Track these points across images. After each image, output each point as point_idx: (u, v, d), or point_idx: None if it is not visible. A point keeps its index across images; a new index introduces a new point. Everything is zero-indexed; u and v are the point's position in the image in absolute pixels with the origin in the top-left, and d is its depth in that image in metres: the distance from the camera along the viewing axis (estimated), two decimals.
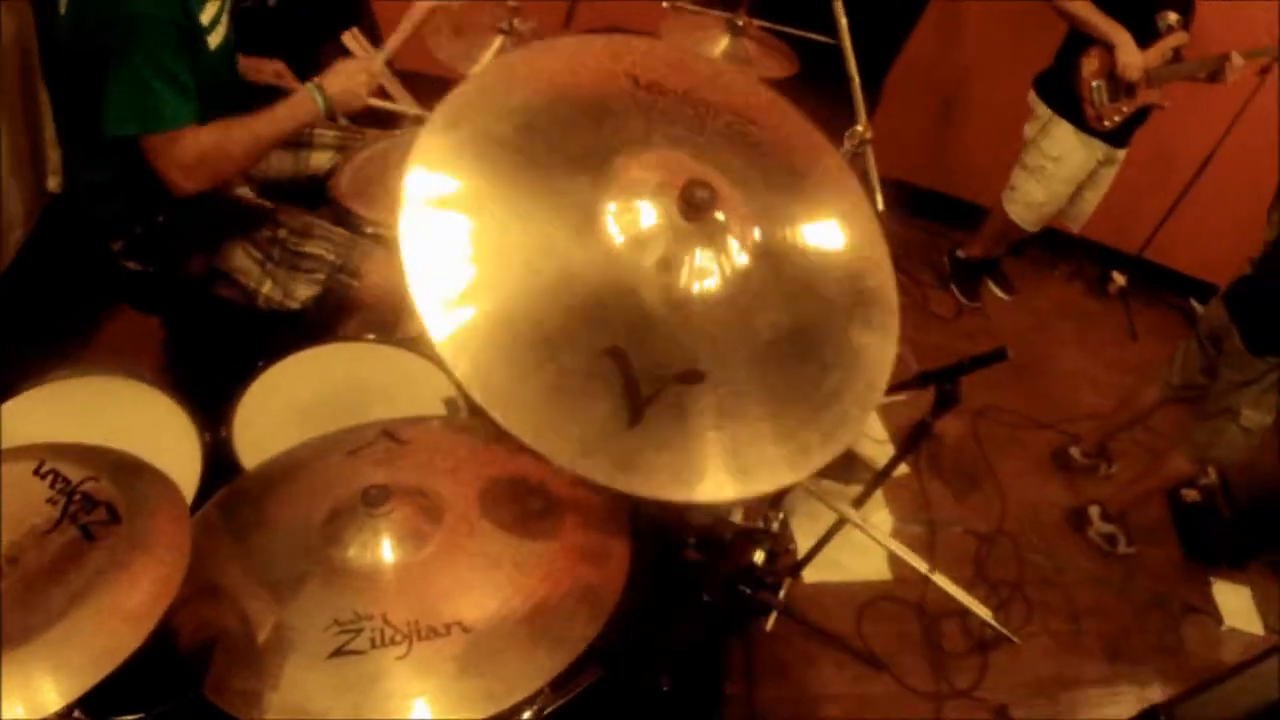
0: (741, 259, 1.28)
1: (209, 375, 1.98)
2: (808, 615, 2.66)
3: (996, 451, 3.47)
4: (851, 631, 2.72)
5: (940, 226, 4.43)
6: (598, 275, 1.20)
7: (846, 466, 2.83)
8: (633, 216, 1.23)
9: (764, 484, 1.17)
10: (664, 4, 2.42)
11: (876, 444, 3.01)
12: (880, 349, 1.32)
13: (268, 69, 2.46)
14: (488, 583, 1.40)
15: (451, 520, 1.44)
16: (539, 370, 1.12)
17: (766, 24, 2.14)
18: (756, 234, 1.31)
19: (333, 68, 2.17)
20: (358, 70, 2.17)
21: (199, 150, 1.95)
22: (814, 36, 2.05)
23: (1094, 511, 3.30)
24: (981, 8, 4.02)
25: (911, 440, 2.09)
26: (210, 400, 1.85)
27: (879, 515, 3.03)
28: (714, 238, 1.26)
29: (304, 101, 2.11)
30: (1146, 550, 3.31)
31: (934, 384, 1.96)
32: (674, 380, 1.15)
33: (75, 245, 2.20)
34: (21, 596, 1.20)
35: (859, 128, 1.83)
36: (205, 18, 2.00)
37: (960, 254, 4.23)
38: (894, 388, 1.81)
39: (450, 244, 1.17)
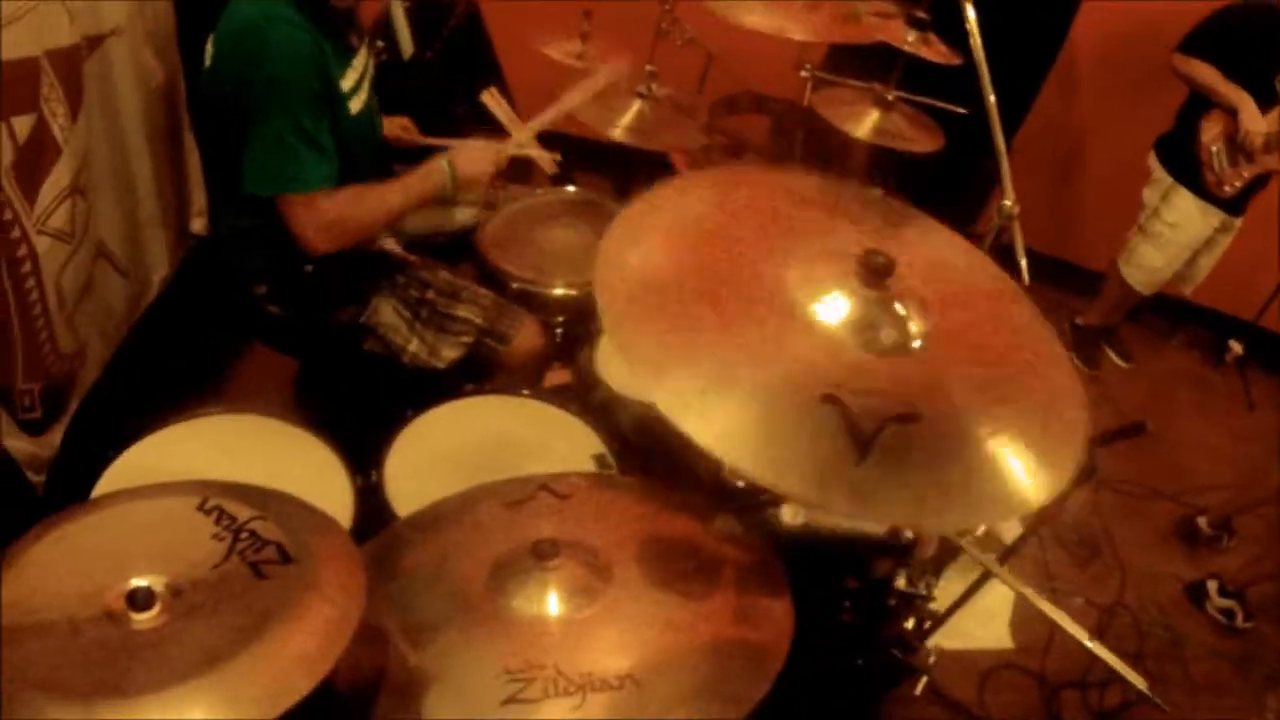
0: (923, 320, 1.35)
1: (345, 419, 2.00)
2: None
3: (1117, 521, 3.38)
4: (973, 700, 2.65)
5: (1061, 294, 4.35)
6: (800, 340, 1.27)
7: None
8: (825, 296, 1.31)
9: (991, 515, 1.37)
10: (802, 73, 2.41)
11: None
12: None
13: (396, 125, 2.50)
14: (650, 640, 1.37)
15: (619, 577, 1.43)
16: (768, 423, 1.19)
17: (910, 96, 2.10)
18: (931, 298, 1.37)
19: (466, 145, 2.23)
20: (487, 156, 2.23)
21: (332, 213, 1.99)
22: (957, 110, 2.02)
23: (1212, 586, 3.18)
24: (1101, 70, 3.97)
25: (1045, 509, 2.02)
26: (354, 444, 1.86)
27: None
28: (895, 300, 1.33)
29: (435, 174, 2.16)
30: (1265, 626, 3.18)
31: None
32: (892, 421, 1.19)
33: (217, 286, 2.24)
34: (185, 631, 1.20)
35: (1007, 202, 1.80)
36: (346, 84, 2.04)
37: (1080, 321, 4.16)
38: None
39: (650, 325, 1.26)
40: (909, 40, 2.02)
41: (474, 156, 2.21)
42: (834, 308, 1.30)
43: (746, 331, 1.27)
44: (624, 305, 1.27)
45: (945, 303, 1.38)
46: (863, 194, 1.52)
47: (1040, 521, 2.16)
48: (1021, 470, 1.24)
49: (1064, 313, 4.23)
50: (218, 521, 1.36)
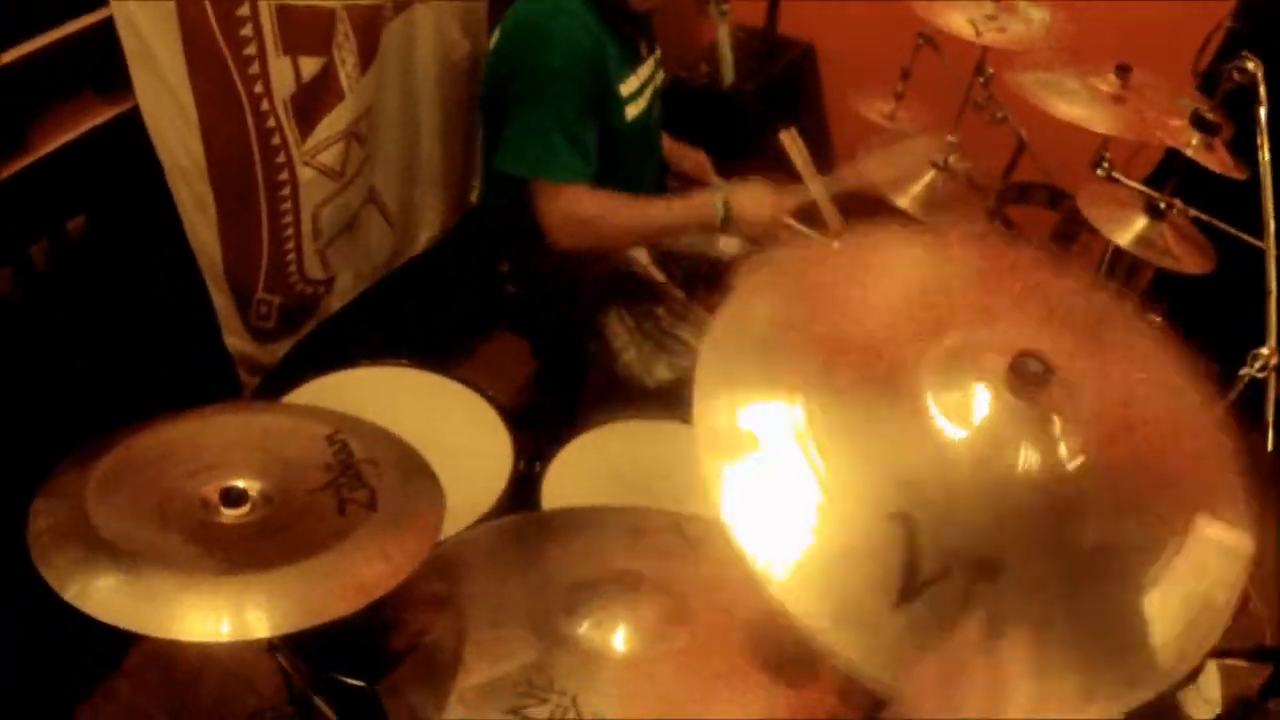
0: (1074, 454, 1.06)
1: (548, 409, 2.02)
2: None
3: None
4: None
5: None
6: (904, 434, 1.05)
7: None
8: (957, 391, 1.07)
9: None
10: (1098, 171, 2.25)
11: (1207, 704, 2.58)
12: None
13: (691, 158, 2.48)
14: (718, 700, 1.31)
15: (696, 632, 1.35)
16: (819, 520, 1.00)
17: (1193, 211, 1.88)
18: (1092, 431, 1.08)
19: (747, 184, 2.11)
20: (768, 201, 2.09)
21: (581, 211, 1.98)
22: (1242, 236, 1.77)
23: None
24: None
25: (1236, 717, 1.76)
26: (541, 431, 1.89)
27: None
28: (1046, 420, 1.06)
29: (705, 207, 2.08)
30: None
31: (1272, 661, 1.64)
32: (965, 567, 0.97)
33: (472, 257, 2.34)
34: (261, 532, 1.27)
35: (1265, 350, 1.54)
36: (626, 89, 2.05)
37: None
38: (1223, 652, 1.52)
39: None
40: (1191, 143, 1.81)
41: (755, 200, 2.08)
42: (961, 408, 1.05)
43: (847, 406, 1.06)
44: (724, 353, 1.12)
45: (1116, 434, 1.09)
46: (1085, 282, 1.31)
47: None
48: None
49: None
50: (337, 454, 1.42)
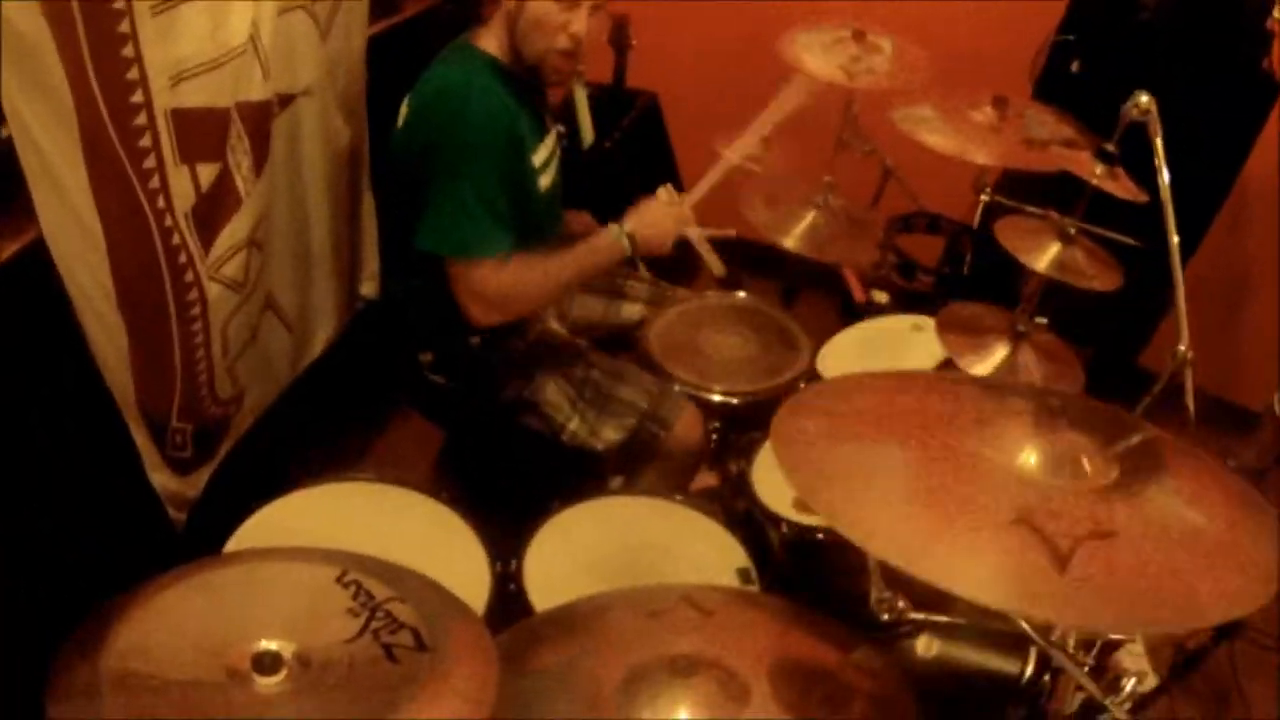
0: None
1: (489, 500, 1.95)
2: None
3: (1248, 673, 3.11)
4: None
5: (1211, 431, 4.09)
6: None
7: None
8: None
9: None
10: (982, 197, 2.33)
11: (1132, 657, 2.73)
12: None
13: (576, 221, 2.48)
14: None
15: (755, 702, 1.32)
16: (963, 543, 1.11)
17: (1093, 229, 2.00)
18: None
19: (637, 209, 2.13)
20: (664, 215, 2.12)
21: (500, 285, 1.95)
22: (1128, 240, 1.92)
23: None
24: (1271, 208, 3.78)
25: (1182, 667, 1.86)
26: (494, 527, 1.81)
27: None
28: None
29: (609, 244, 2.07)
30: None
31: None
32: (1087, 538, 1.10)
33: (380, 351, 2.24)
34: (308, 700, 1.15)
35: (1182, 348, 1.76)
36: (538, 159, 2.03)
37: (1231, 463, 3.90)
38: None
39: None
40: (1096, 173, 1.92)
41: (653, 221, 2.10)
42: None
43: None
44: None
45: None
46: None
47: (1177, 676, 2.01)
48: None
49: (1218, 453, 3.95)
50: (355, 597, 1.31)
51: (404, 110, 2.00)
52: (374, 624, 1.27)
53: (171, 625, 1.23)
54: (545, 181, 2.07)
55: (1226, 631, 1.82)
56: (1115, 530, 1.11)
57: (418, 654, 1.23)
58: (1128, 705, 1.57)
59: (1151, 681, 2.33)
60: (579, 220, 2.47)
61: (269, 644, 1.19)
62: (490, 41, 1.98)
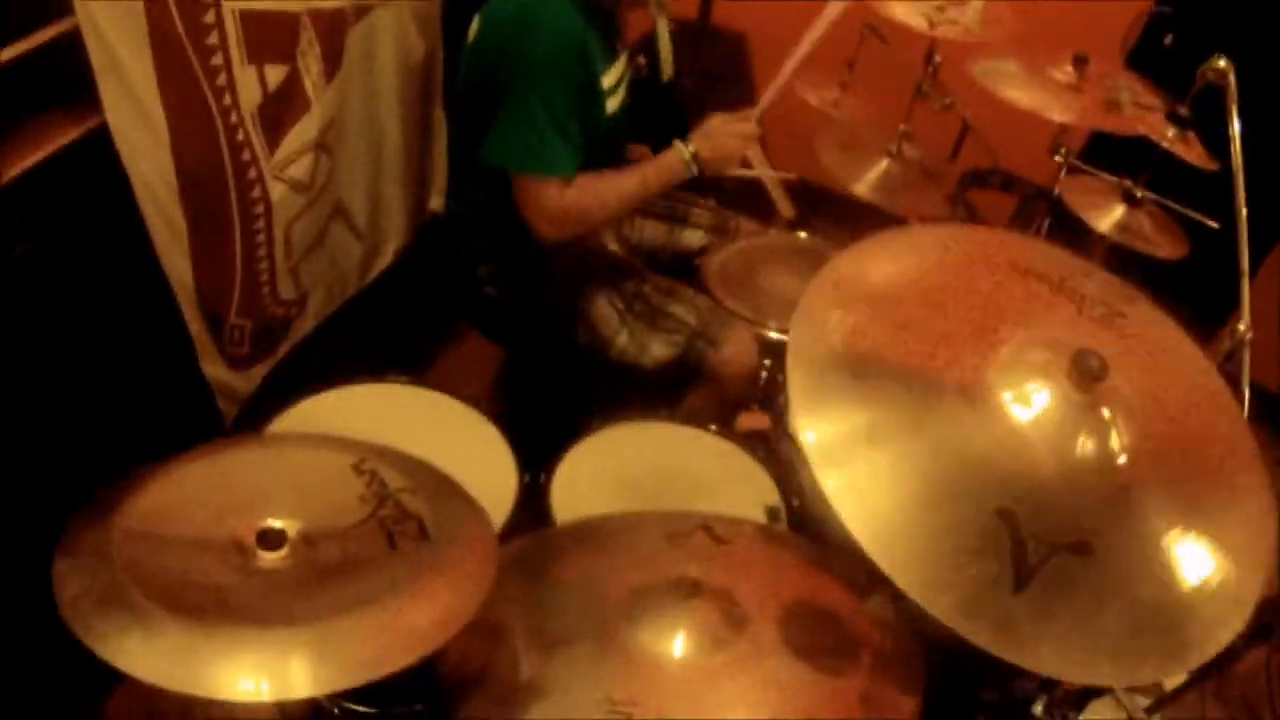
0: (1123, 439, 1.17)
1: (539, 416, 1.97)
2: None
3: None
4: None
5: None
6: (988, 438, 1.14)
7: None
8: (1025, 389, 1.17)
9: (1141, 674, 1.13)
10: (1056, 158, 2.27)
11: None
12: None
13: (635, 155, 2.45)
14: (764, 705, 1.28)
15: (752, 633, 1.32)
16: (927, 524, 1.09)
17: (1162, 199, 1.93)
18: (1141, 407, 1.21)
19: (703, 128, 2.11)
20: (730, 133, 2.10)
21: (565, 203, 1.95)
22: (1206, 220, 1.84)
23: None
24: None
25: (1212, 665, 1.78)
26: (535, 442, 1.82)
27: None
28: (1105, 410, 1.17)
29: (674, 163, 2.07)
30: None
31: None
32: (1064, 549, 1.07)
33: (444, 265, 2.26)
34: (307, 579, 1.19)
35: (1240, 326, 1.61)
36: (607, 81, 2.02)
37: None
38: None
39: (839, 400, 1.17)
40: (1168, 136, 1.85)
41: (719, 140, 2.08)
42: (1031, 404, 1.16)
43: (932, 419, 1.15)
44: (814, 372, 1.19)
45: (1154, 412, 1.22)
46: (1093, 273, 1.37)
47: (1206, 675, 1.93)
48: (1195, 618, 1.10)
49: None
50: (369, 484, 1.35)
51: (475, 25, 2.00)
52: (382, 511, 1.30)
53: (188, 495, 1.28)
54: (613, 105, 2.05)
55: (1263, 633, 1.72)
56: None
57: (419, 543, 1.26)
58: (1146, 703, 1.54)
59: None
60: (637, 151, 2.44)
61: (276, 521, 1.23)
62: None
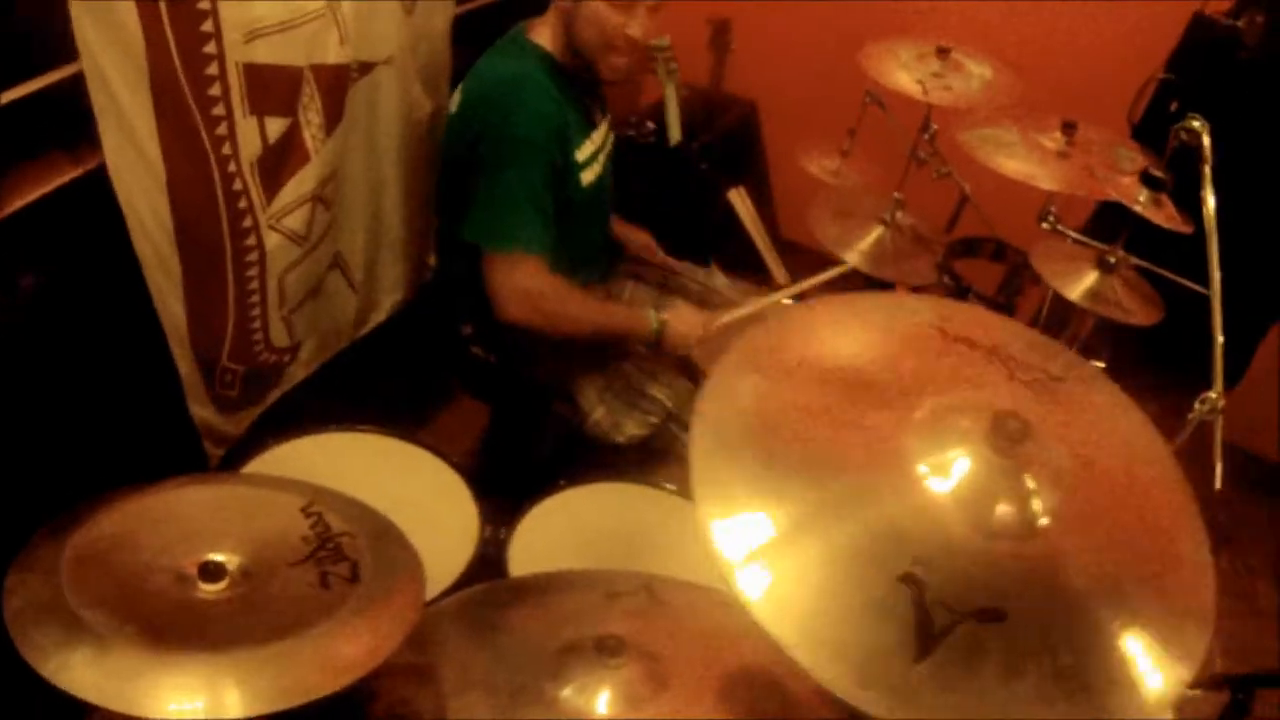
0: (1047, 504, 1.14)
1: (514, 473, 2.01)
2: None
3: None
4: None
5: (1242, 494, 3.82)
6: (902, 507, 1.11)
7: None
8: (943, 456, 1.14)
9: None
10: (1043, 225, 2.30)
11: None
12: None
13: (636, 239, 2.52)
14: None
15: (676, 694, 1.34)
16: (828, 590, 1.06)
17: (1141, 263, 1.93)
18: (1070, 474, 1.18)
19: (678, 310, 2.20)
20: (696, 323, 2.17)
21: (534, 285, 2.00)
22: (1189, 285, 1.83)
23: None
24: None
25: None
26: (503, 496, 1.87)
27: None
28: (1026, 474, 1.14)
29: (641, 320, 2.15)
30: None
31: (1229, 689, 1.66)
32: (971, 617, 1.04)
33: (433, 322, 2.32)
34: (240, 609, 1.25)
35: (1213, 394, 1.62)
36: (582, 155, 2.07)
37: None
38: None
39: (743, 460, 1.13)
40: (1139, 199, 1.86)
41: (686, 325, 2.17)
42: (948, 470, 1.12)
43: (839, 478, 1.13)
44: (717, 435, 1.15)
45: (1084, 477, 1.18)
46: (1034, 339, 1.35)
47: None
48: (1116, 687, 1.06)
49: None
50: (313, 526, 1.41)
51: (456, 97, 2.07)
52: (321, 552, 1.36)
53: (142, 524, 1.36)
54: (589, 177, 2.11)
55: None
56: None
57: (349, 585, 1.31)
58: None
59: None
60: (637, 235, 2.53)
61: (219, 555, 1.30)
62: (544, 34, 2.04)
